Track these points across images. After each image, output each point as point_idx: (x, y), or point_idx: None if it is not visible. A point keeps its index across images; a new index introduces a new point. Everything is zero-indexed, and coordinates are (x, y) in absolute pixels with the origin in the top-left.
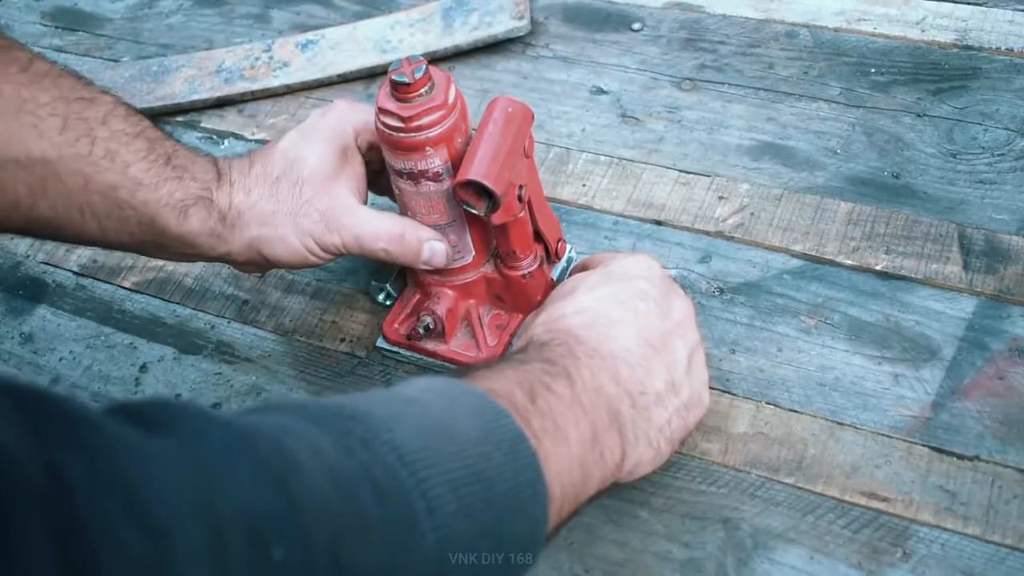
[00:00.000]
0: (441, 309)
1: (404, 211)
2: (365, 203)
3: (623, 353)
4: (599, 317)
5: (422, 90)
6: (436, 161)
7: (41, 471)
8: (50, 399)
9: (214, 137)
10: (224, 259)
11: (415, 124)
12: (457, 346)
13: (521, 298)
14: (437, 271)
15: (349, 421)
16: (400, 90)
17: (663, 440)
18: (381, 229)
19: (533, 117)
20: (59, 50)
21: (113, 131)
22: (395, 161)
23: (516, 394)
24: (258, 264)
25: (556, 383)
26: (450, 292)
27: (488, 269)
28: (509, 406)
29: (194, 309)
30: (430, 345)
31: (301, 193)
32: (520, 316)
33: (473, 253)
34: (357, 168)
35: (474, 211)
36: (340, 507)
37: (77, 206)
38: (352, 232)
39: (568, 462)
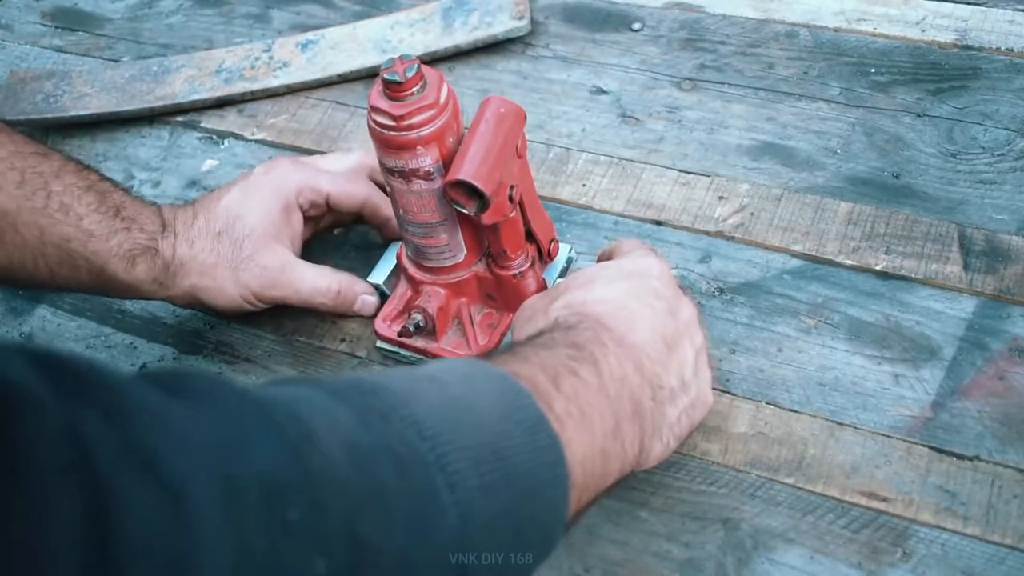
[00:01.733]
0: (432, 307)
1: (396, 210)
2: (298, 255)
3: (644, 346)
4: (621, 309)
5: (414, 89)
6: (427, 160)
7: (61, 419)
8: (68, 360)
9: (214, 137)
10: (166, 301)
11: (406, 123)
12: (447, 344)
13: (512, 297)
14: (429, 269)
15: (368, 395)
16: (392, 89)
17: (672, 436)
18: (320, 285)
19: (525, 117)
20: (59, 50)
21: (66, 184)
22: (387, 159)
23: (540, 378)
24: (196, 308)
25: (582, 369)
26: (441, 290)
27: (480, 268)
28: (532, 388)
29: (194, 309)
30: (420, 343)
31: (242, 249)
32: (511, 315)
33: (465, 252)
34: (296, 225)
35: (464, 211)
36: (356, 481)
37: (31, 256)
38: (293, 288)
39: (591, 450)
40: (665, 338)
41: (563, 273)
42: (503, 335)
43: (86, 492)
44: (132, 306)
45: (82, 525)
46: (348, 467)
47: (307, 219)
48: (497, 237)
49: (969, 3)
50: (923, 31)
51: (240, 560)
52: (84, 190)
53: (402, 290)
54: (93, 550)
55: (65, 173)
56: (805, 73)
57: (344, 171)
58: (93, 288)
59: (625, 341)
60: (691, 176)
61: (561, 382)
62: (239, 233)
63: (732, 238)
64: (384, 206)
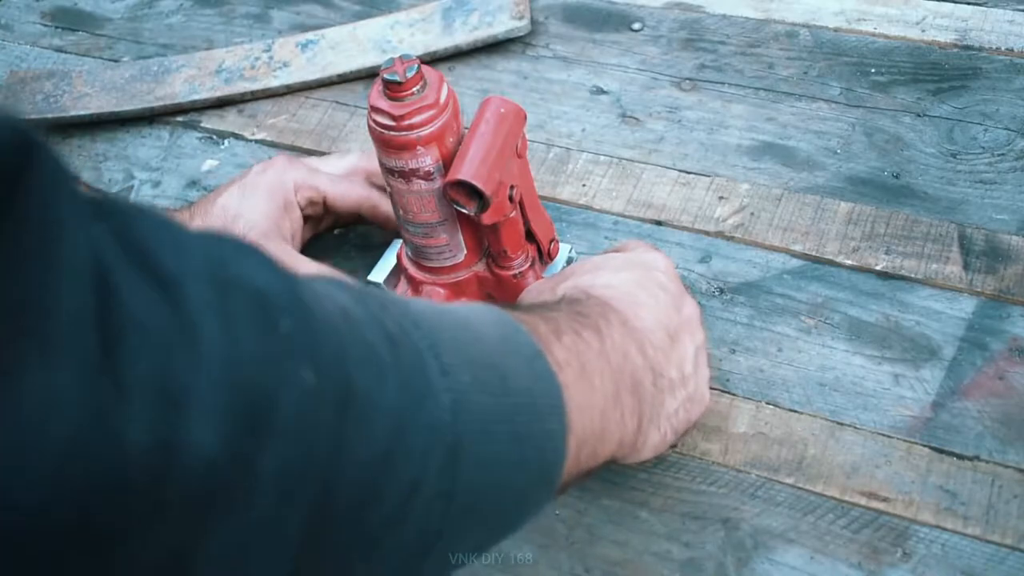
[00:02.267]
0: None
1: (396, 210)
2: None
3: (648, 333)
4: (627, 295)
5: (414, 89)
6: (427, 160)
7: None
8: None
9: (214, 137)
10: None
11: (406, 123)
12: None
13: (512, 297)
14: (429, 269)
15: (366, 291)
16: (392, 89)
17: (669, 428)
18: None
19: (526, 117)
20: (59, 50)
21: None
22: (387, 159)
23: (541, 327)
24: None
25: (585, 332)
26: (441, 290)
27: (480, 268)
28: (532, 331)
29: None
30: None
31: None
32: None
33: (465, 252)
34: (296, 222)
35: (464, 211)
36: (351, 338)
37: None
38: None
39: (589, 406)
40: (668, 329)
41: None
42: None
43: (92, 273)
44: None
45: (90, 284)
46: (343, 324)
47: (306, 219)
48: (497, 237)
49: (969, 3)
50: (923, 31)
51: (230, 351)
52: None
53: (402, 290)
54: (99, 297)
55: None
56: (805, 73)
57: (341, 172)
58: None
59: (629, 324)
60: (691, 176)
61: (563, 336)
62: (239, 231)
63: (732, 238)
64: (383, 204)
